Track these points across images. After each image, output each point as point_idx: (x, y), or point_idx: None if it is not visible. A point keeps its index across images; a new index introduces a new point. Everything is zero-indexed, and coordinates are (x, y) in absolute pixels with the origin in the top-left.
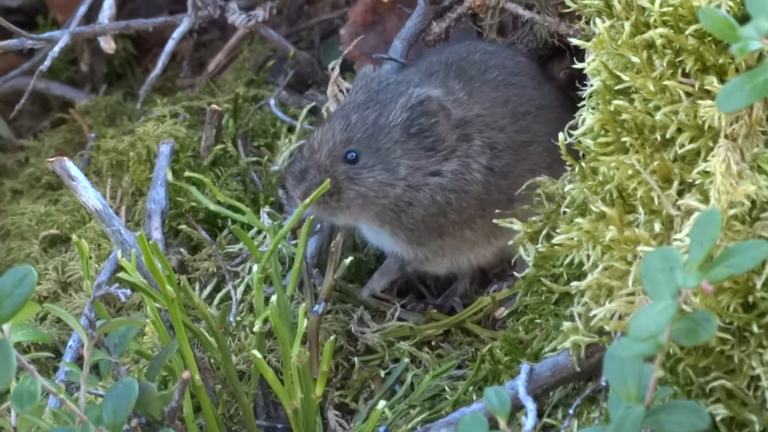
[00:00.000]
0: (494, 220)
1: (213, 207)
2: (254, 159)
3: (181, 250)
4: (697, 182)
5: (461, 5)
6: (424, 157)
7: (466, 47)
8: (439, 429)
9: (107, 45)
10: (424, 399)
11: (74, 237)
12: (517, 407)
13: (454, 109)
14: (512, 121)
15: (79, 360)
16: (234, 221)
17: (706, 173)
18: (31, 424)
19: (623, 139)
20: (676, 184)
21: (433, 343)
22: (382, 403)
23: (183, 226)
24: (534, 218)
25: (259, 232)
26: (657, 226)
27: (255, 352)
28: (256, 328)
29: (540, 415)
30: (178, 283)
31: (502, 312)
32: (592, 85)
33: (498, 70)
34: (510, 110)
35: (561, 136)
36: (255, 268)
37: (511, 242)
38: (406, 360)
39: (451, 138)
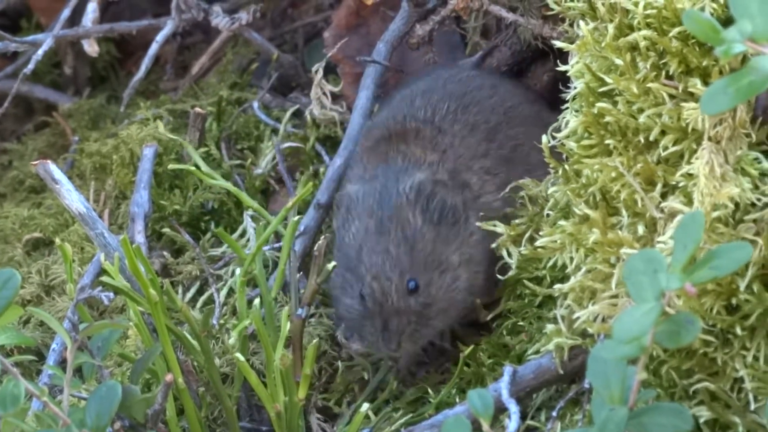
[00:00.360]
0: (477, 223)
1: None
2: (237, 162)
3: (165, 253)
4: (681, 184)
5: (445, 8)
6: (458, 233)
7: (403, 101)
8: (423, 431)
9: (91, 48)
10: (407, 402)
11: (57, 240)
12: (501, 409)
13: (440, 173)
14: (489, 140)
15: (62, 363)
16: (217, 225)
17: (689, 175)
18: (14, 427)
19: (607, 142)
20: (659, 186)
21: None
22: (365, 406)
23: (166, 230)
24: (517, 221)
25: (242, 235)
26: (640, 229)
27: (238, 355)
28: (231, 341)
29: (523, 417)
30: (161, 287)
31: (485, 316)
32: (575, 88)
33: (446, 101)
34: (482, 133)
35: (544, 138)
36: (238, 271)
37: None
38: (390, 363)
39: (458, 199)
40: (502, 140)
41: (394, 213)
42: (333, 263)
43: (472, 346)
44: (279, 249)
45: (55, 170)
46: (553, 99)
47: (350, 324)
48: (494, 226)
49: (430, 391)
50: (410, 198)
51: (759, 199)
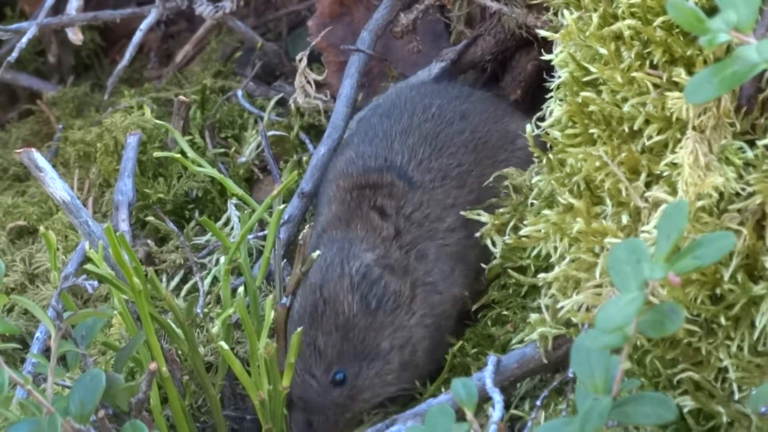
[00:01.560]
0: (461, 212)
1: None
2: (221, 150)
3: (149, 241)
4: (665, 174)
5: None
6: (396, 318)
7: (386, 134)
8: (406, 421)
9: (75, 36)
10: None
11: (41, 228)
12: (485, 399)
13: (392, 251)
14: (459, 187)
15: (46, 351)
16: (201, 213)
17: (673, 165)
18: None
19: (591, 131)
20: (643, 175)
21: None
22: None
23: (150, 218)
24: (501, 210)
25: (226, 223)
26: (624, 218)
27: (222, 343)
28: (215, 330)
29: (507, 406)
30: (146, 275)
31: (471, 306)
32: (559, 77)
33: (422, 144)
34: (454, 180)
35: (528, 127)
36: (222, 259)
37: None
38: None
39: (405, 284)
40: (472, 184)
41: (331, 297)
42: (317, 252)
43: (460, 342)
44: (263, 237)
45: (39, 158)
46: (536, 89)
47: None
48: (478, 215)
49: (417, 384)
50: (354, 281)
51: (743, 189)
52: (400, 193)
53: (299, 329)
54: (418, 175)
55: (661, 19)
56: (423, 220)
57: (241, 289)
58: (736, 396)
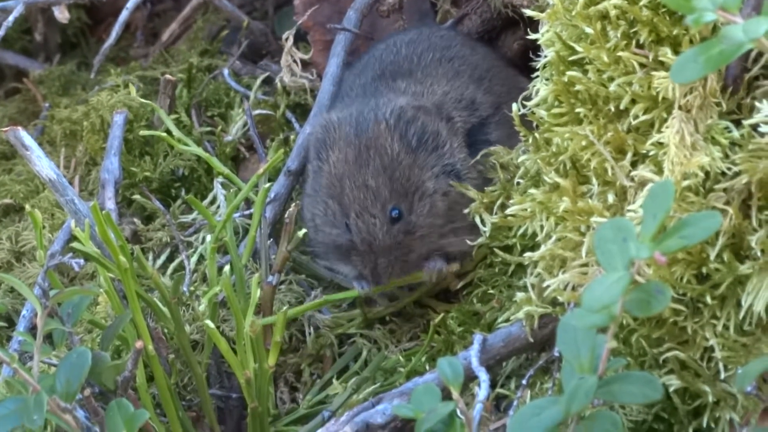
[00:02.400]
0: (450, 182)
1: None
2: (208, 129)
3: (135, 220)
4: (651, 153)
5: None
6: (438, 158)
7: (387, 49)
8: (392, 399)
9: (61, 15)
10: (377, 370)
11: (28, 207)
12: (471, 378)
13: (424, 100)
14: (477, 86)
15: (32, 329)
16: (188, 191)
17: (659, 144)
18: None
19: (577, 110)
20: (629, 155)
21: (386, 318)
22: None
23: (137, 196)
24: (490, 188)
25: (212, 202)
26: (610, 197)
27: (208, 322)
28: (201, 308)
29: (493, 385)
30: (132, 253)
31: (456, 284)
32: (545, 56)
33: (431, 51)
34: (466, 79)
35: (515, 106)
36: (208, 238)
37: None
38: (361, 341)
39: (441, 125)
40: (488, 87)
41: (372, 142)
42: (303, 230)
43: (441, 314)
44: (250, 216)
45: (25, 136)
46: (523, 67)
47: (335, 252)
48: (467, 189)
49: (401, 359)
50: (390, 123)
51: (729, 168)
52: (418, 76)
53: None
54: (431, 69)
55: None
56: (444, 95)
57: (227, 268)
58: (722, 375)
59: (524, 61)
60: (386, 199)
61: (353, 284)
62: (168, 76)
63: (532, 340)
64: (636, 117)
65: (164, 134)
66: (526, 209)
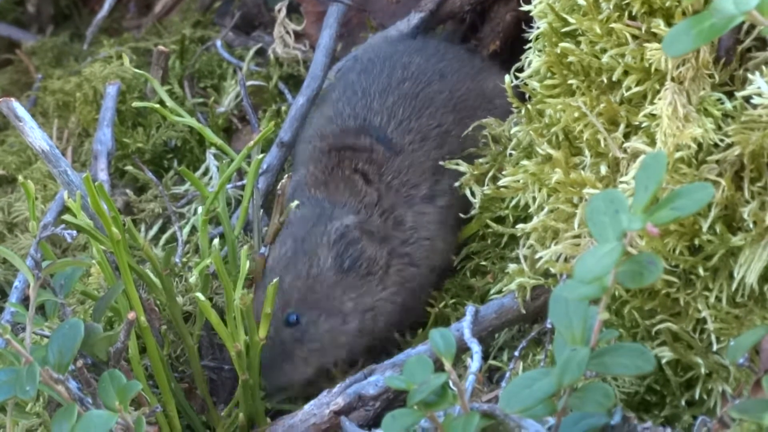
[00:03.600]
0: (440, 162)
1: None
2: (200, 100)
3: (127, 191)
4: (644, 125)
5: None
6: (366, 283)
7: (365, 93)
8: (384, 371)
9: None
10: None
11: (20, 178)
12: (463, 349)
13: (374, 217)
14: (439, 147)
15: (24, 300)
16: (180, 162)
17: (652, 116)
18: None
19: (570, 82)
20: (622, 126)
21: None
22: None
23: (129, 167)
24: (480, 160)
25: (204, 173)
26: (603, 169)
27: (198, 294)
28: (193, 279)
29: (485, 357)
30: (124, 225)
31: (453, 262)
32: (538, 28)
33: (402, 104)
34: (434, 140)
35: (507, 78)
36: (200, 209)
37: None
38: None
39: (382, 252)
40: (451, 144)
41: (309, 248)
42: (296, 202)
43: (441, 304)
44: (242, 187)
45: (18, 108)
46: (514, 40)
47: None
48: (457, 165)
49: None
50: (331, 239)
51: (722, 140)
52: (380, 159)
53: (275, 279)
54: (398, 136)
55: None
56: (400, 186)
57: (216, 241)
58: (715, 347)
59: (517, 33)
60: (288, 301)
61: None
62: (161, 48)
63: (524, 311)
64: (629, 88)
65: (157, 105)
66: (518, 180)
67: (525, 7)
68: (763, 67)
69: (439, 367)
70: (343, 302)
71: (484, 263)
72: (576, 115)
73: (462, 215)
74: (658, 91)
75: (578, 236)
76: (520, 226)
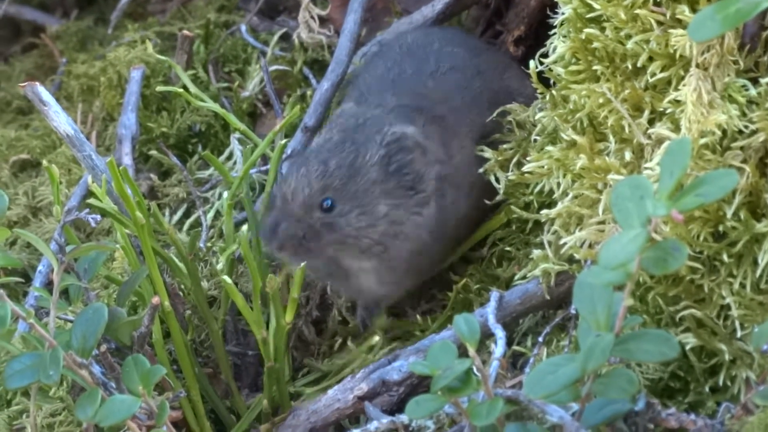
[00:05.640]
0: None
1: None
2: (225, 85)
3: (152, 175)
4: (668, 111)
5: None
6: (404, 196)
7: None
8: (408, 356)
9: None
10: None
11: (45, 162)
12: (487, 335)
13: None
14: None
15: (48, 285)
16: (204, 147)
17: (677, 102)
18: (0, 349)
19: (594, 68)
20: (647, 112)
21: None
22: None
23: (153, 152)
24: (505, 146)
25: (228, 158)
26: (627, 155)
27: (225, 277)
28: (219, 266)
29: (509, 342)
30: (148, 209)
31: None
32: (563, 13)
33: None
34: (483, 105)
35: (532, 63)
36: (225, 194)
37: None
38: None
39: (430, 171)
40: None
41: (360, 140)
42: None
43: (464, 279)
44: (266, 172)
45: (42, 92)
46: (539, 25)
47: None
48: (482, 150)
49: (419, 319)
50: (385, 139)
51: (746, 126)
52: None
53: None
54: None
55: None
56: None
57: (244, 227)
58: (738, 333)
59: (541, 18)
60: (328, 186)
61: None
62: (185, 32)
63: (548, 297)
64: (653, 74)
65: (181, 90)
66: (543, 166)
67: None
68: None
69: (463, 353)
70: (378, 204)
71: (508, 249)
72: (600, 101)
73: (487, 201)
74: (683, 78)
75: (603, 222)
76: (544, 211)
